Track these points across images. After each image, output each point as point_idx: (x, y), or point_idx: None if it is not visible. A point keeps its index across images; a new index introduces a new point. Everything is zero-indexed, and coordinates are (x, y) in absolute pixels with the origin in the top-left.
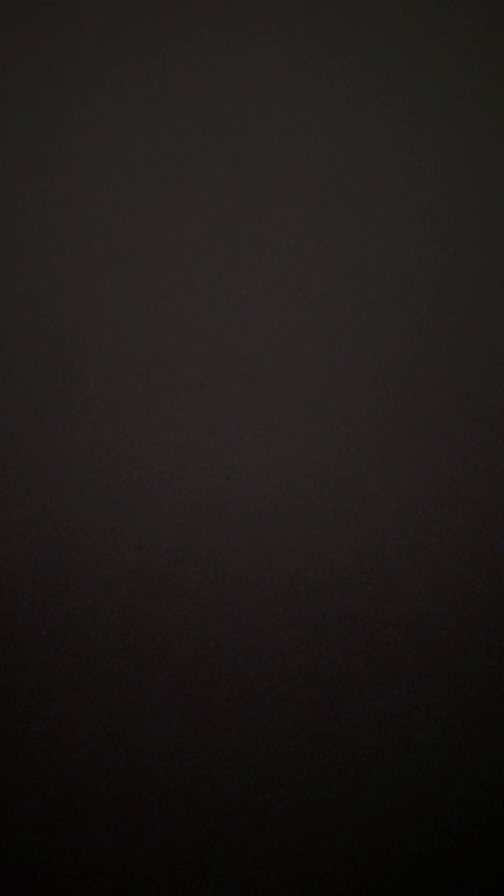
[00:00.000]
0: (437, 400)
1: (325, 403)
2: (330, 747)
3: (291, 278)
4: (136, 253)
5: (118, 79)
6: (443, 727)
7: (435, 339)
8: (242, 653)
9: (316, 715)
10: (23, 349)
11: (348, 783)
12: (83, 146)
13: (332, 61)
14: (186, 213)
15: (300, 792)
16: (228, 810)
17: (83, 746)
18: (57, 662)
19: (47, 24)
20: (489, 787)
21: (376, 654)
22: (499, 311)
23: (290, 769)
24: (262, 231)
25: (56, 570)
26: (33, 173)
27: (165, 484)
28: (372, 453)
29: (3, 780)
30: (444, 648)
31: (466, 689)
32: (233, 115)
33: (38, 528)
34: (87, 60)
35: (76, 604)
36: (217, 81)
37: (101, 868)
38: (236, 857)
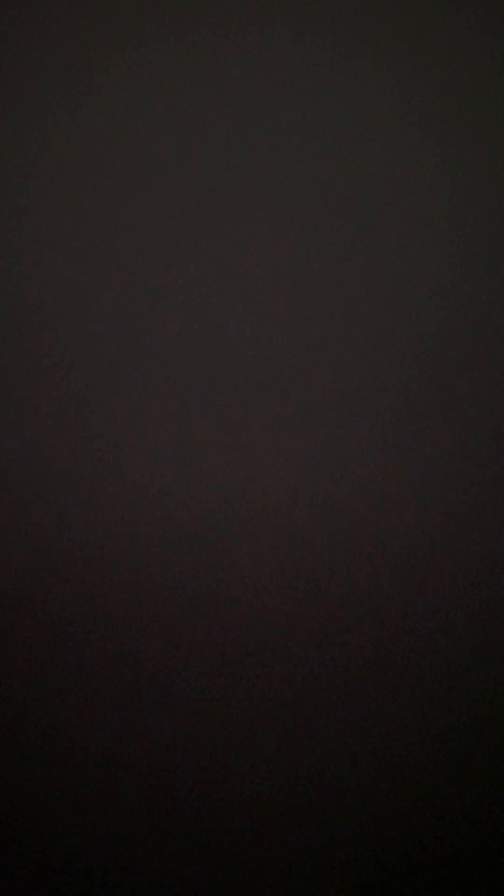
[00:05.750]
0: (440, 408)
1: (326, 413)
2: (333, 750)
3: (294, 287)
4: (138, 268)
5: (118, 77)
6: (444, 732)
7: (438, 349)
8: (244, 661)
9: (319, 721)
10: (23, 356)
11: (353, 789)
12: (84, 147)
13: (333, 62)
14: (188, 222)
15: (302, 796)
16: (230, 816)
17: (83, 754)
18: (57, 669)
19: (46, 28)
20: (489, 792)
21: (382, 669)
22: (500, 320)
23: (291, 771)
24: (265, 242)
25: (56, 578)
26: (35, 175)
27: (166, 494)
28: (374, 462)
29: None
30: (447, 656)
31: (468, 697)
32: (233, 121)
33: (39, 538)
34: (88, 60)
35: (76, 613)
36: (217, 79)
37: (99, 871)
38: (237, 861)
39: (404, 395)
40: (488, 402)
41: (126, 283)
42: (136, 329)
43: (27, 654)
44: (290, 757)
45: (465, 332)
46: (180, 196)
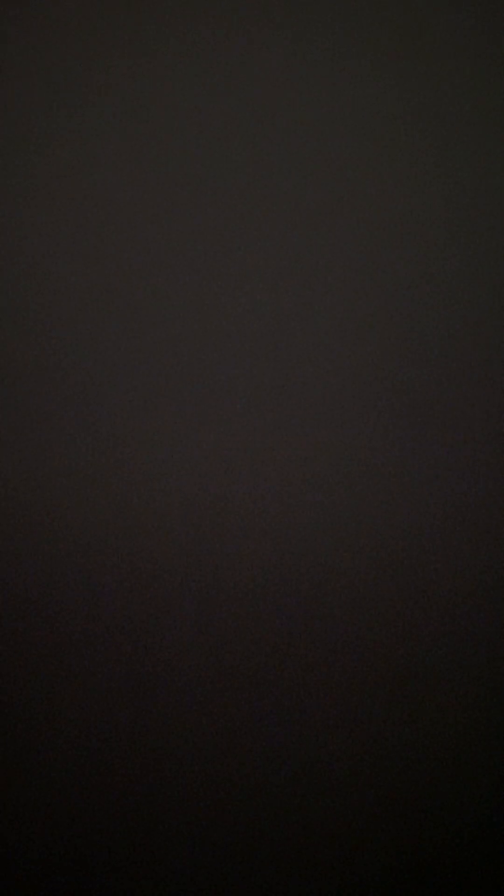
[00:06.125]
0: (437, 408)
1: (325, 414)
2: (330, 749)
3: (294, 288)
4: (138, 268)
5: (118, 77)
6: (442, 735)
7: (434, 348)
8: (243, 663)
9: (315, 720)
10: (23, 358)
11: (349, 789)
12: (83, 149)
13: (333, 62)
14: (187, 222)
15: (302, 796)
16: (233, 815)
17: (84, 756)
18: (57, 670)
19: (46, 27)
20: (487, 794)
21: (378, 666)
22: (498, 321)
23: (292, 772)
24: (265, 241)
25: (55, 579)
26: (34, 175)
27: (164, 494)
28: (372, 462)
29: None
30: (446, 656)
31: (464, 697)
32: (233, 121)
33: (38, 539)
34: (88, 61)
35: (76, 613)
36: (217, 79)
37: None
38: (240, 861)
39: (404, 394)
40: (489, 402)
41: (126, 283)
42: (135, 328)
43: (26, 655)
44: (289, 756)
45: (465, 332)
46: (180, 196)
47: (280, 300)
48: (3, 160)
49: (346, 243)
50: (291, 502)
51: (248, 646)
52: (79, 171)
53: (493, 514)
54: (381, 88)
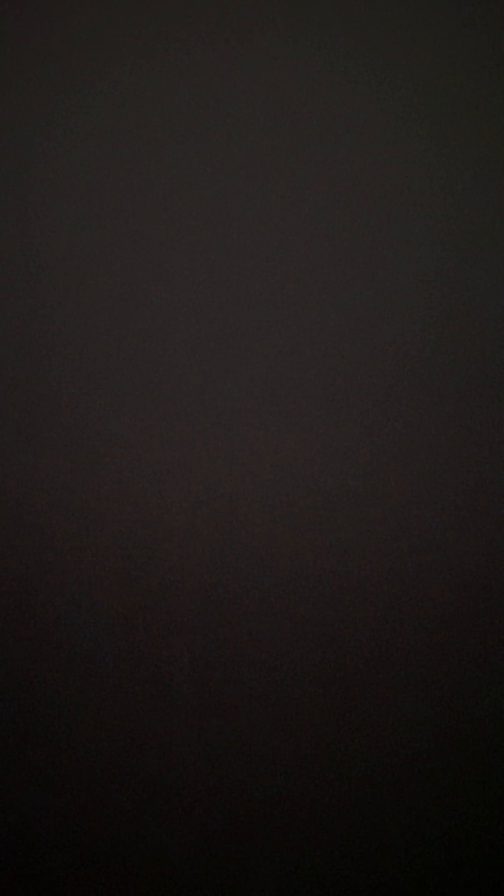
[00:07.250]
0: (438, 406)
1: (324, 413)
2: (328, 749)
3: (292, 287)
4: (134, 266)
5: (117, 77)
6: (444, 734)
7: (436, 344)
8: (240, 662)
9: (313, 719)
10: (20, 355)
11: (347, 788)
12: (83, 152)
13: (332, 59)
14: (185, 219)
15: (301, 796)
16: (231, 812)
17: (82, 752)
18: (55, 668)
19: (45, 24)
20: (489, 796)
21: (380, 666)
22: (500, 318)
23: (290, 772)
24: (264, 242)
25: (52, 578)
26: (34, 175)
27: (163, 491)
28: (371, 461)
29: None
30: (446, 655)
31: (466, 694)
32: (232, 118)
33: (35, 537)
34: (87, 62)
35: (74, 611)
36: (216, 78)
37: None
38: (238, 860)
39: (408, 395)
40: (488, 400)
41: (126, 283)
42: (136, 328)
43: (25, 657)
44: (289, 755)
45: (467, 332)
46: (179, 197)
47: (281, 299)
48: (3, 160)
49: (346, 240)
50: (294, 505)
51: (250, 647)
52: (78, 170)
53: (497, 517)
54: (381, 88)
